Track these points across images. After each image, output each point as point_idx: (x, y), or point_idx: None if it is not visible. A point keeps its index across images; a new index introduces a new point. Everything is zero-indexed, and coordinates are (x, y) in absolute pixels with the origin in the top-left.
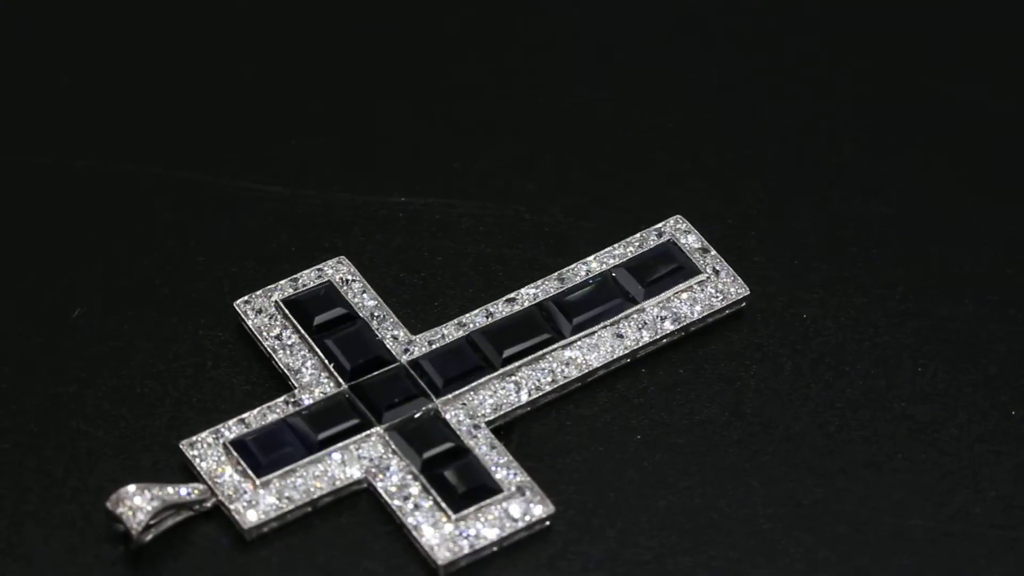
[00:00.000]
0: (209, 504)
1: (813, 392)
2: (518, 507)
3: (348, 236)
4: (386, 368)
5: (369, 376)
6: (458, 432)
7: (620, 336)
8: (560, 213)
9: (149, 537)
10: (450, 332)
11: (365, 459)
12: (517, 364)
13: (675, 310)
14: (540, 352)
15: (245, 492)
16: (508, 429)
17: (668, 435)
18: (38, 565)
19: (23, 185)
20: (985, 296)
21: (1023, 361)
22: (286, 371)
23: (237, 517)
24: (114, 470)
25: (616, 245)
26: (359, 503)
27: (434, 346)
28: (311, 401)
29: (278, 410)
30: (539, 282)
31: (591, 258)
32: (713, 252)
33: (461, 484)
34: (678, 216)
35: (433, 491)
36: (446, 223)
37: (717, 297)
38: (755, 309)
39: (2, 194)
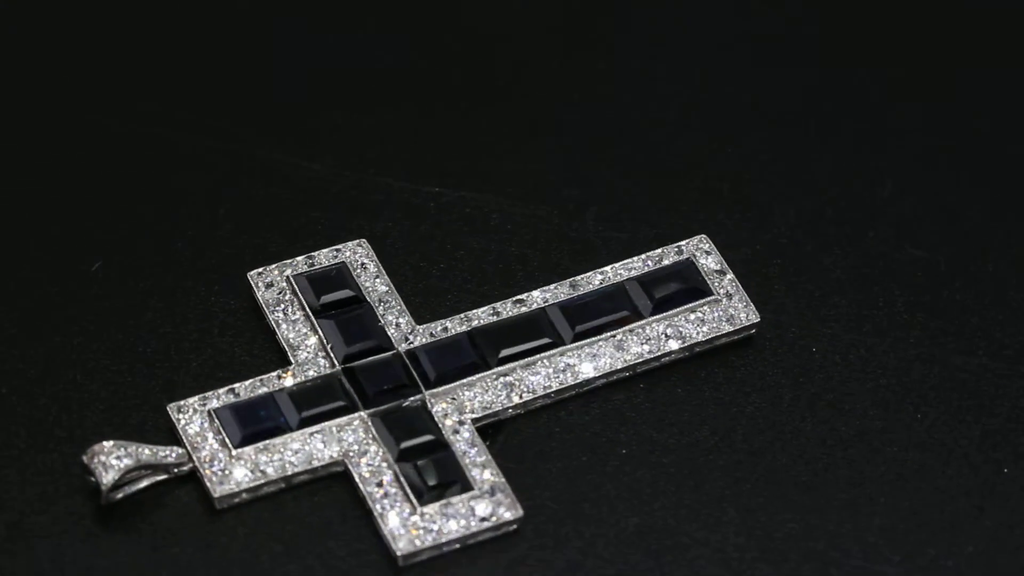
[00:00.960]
0: (186, 469)
1: (807, 427)
2: (486, 507)
3: (377, 220)
4: (382, 355)
5: (363, 361)
6: (441, 426)
7: (621, 349)
8: (591, 221)
9: (121, 495)
10: (453, 326)
11: (345, 442)
12: (512, 365)
13: (681, 329)
14: (537, 356)
15: (220, 461)
16: (496, 429)
17: (654, 453)
18: (8, 509)
19: (64, 140)
20: (1000, 351)
21: None
22: (286, 346)
23: (209, 485)
24: (101, 425)
25: (635, 258)
26: (335, 485)
27: (434, 338)
28: (303, 379)
29: (269, 384)
30: (551, 286)
31: (607, 268)
32: (730, 275)
33: (433, 477)
34: (702, 236)
35: (404, 481)
36: (475, 218)
37: (726, 321)
38: (765, 337)
39: (41, 147)
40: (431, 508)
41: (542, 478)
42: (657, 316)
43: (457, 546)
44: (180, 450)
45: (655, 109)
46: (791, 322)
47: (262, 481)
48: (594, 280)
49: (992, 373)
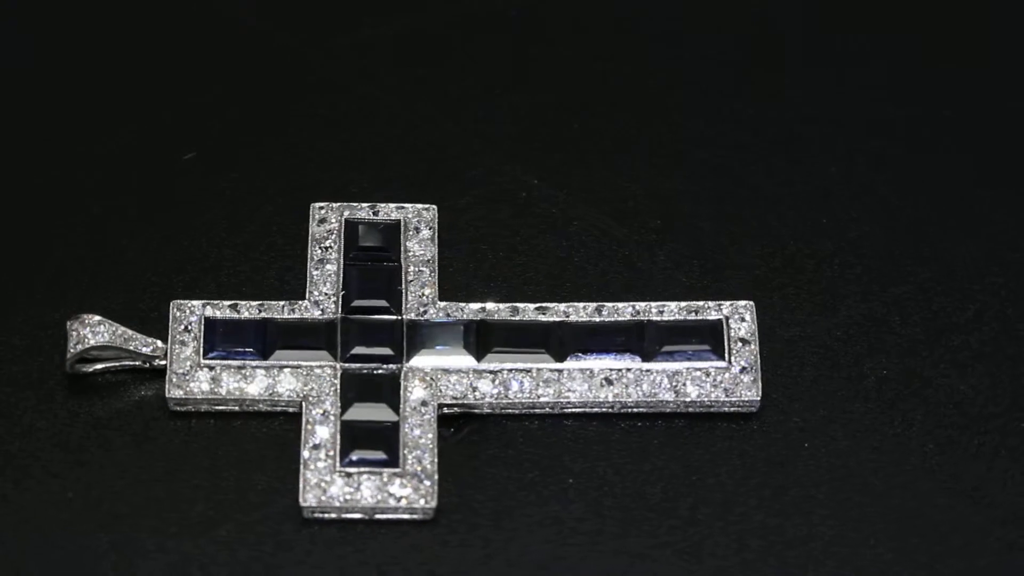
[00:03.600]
0: (160, 364)
1: (757, 516)
2: (402, 489)
3: (466, 192)
4: (384, 316)
5: (362, 317)
6: (403, 401)
7: (611, 384)
8: (663, 256)
9: (92, 369)
10: (468, 312)
11: (309, 386)
12: (499, 365)
13: (678, 384)
14: (525, 364)
15: (187, 366)
16: (464, 422)
17: (598, 493)
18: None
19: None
20: (975, 493)
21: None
22: (308, 281)
23: (167, 385)
24: (112, 298)
25: (674, 303)
26: (291, 424)
27: (440, 317)
28: (302, 316)
29: (272, 311)
30: (580, 304)
31: (643, 304)
32: (754, 348)
33: (367, 445)
34: (749, 303)
35: (339, 439)
36: (556, 220)
37: (724, 391)
38: (767, 418)
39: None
40: (352, 472)
41: (482, 480)
42: (659, 364)
43: (363, 516)
44: (160, 345)
45: (780, 177)
46: (800, 413)
47: (218, 397)
48: (624, 311)
49: (959, 512)
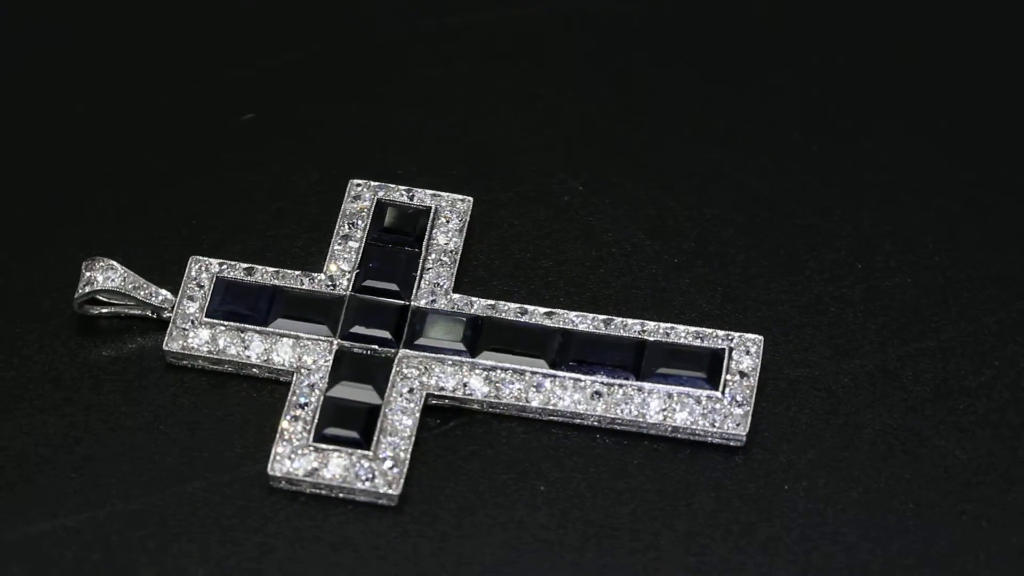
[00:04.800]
0: (166, 316)
1: (720, 550)
2: (368, 472)
3: (511, 190)
4: (392, 300)
5: (370, 297)
6: (391, 385)
7: (599, 398)
8: (688, 279)
9: (99, 311)
10: (477, 307)
11: (304, 358)
12: (493, 364)
13: (666, 407)
14: (517, 366)
15: (189, 321)
16: (452, 415)
17: (567, 505)
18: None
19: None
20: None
21: None
22: (329, 255)
23: (167, 337)
24: (134, 250)
25: (683, 327)
26: (285, 393)
27: (448, 309)
28: (312, 288)
29: (286, 280)
30: (589, 315)
31: (652, 323)
32: (751, 382)
33: (343, 423)
34: (759, 338)
35: (318, 413)
36: (593, 228)
37: (710, 422)
38: (748, 454)
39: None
40: (323, 448)
41: (455, 475)
42: (653, 385)
43: (326, 492)
44: (169, 297)
45: (826, 217)
46: (788, 454)
47: (213, 356)
48: (632, 328)
49: None
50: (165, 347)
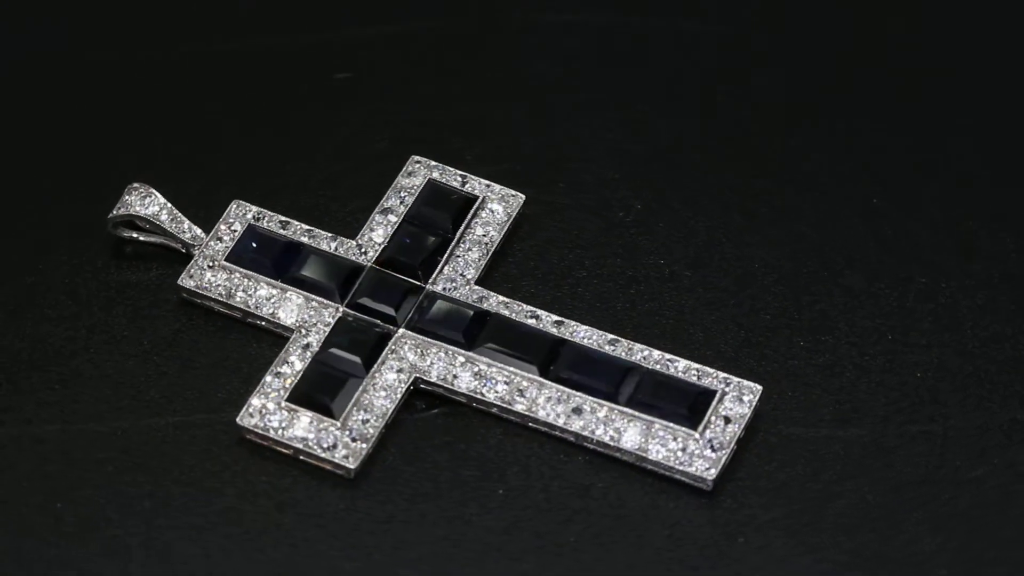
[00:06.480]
0: (194, 252)
1: None
2: (331, 440)
3: (570, 195)
4: (408, 280)
5: (388, 272)
6: (380, 362)
7: (579, 414)
8: (714, 317)
9: (131, 235)
10: (489, 301)
11: (307, 318)
12: (486, 360)
13: (643, 436)
14: (508, 367)
15: (208, 261)
16: (439, 403)
17: (521, 513)
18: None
19: None
20: None
21: None
22: (367, 224)
23: (184, 273)
24: (189, 186)
25: (684, 361)
26: (283, 346)
27: (460, 299)
28: (336, 252)
29: (317, 240)
30: (598, 331)
31: (657, 352)
32: (733, 429)
33: (321, 389)
34: (758, 388)
35: (301, 376)
36: (638, 250)
37: (678, 460)
38: (715, 499)
39: None
40: (294, 408)
41: (420, 462)
42: (634, 411)
43: (290, 453)
44: (199, 234)
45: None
46: (754, 507)
47: (222, 300)
48: (635, 352)
49: None
50: (180, 282)
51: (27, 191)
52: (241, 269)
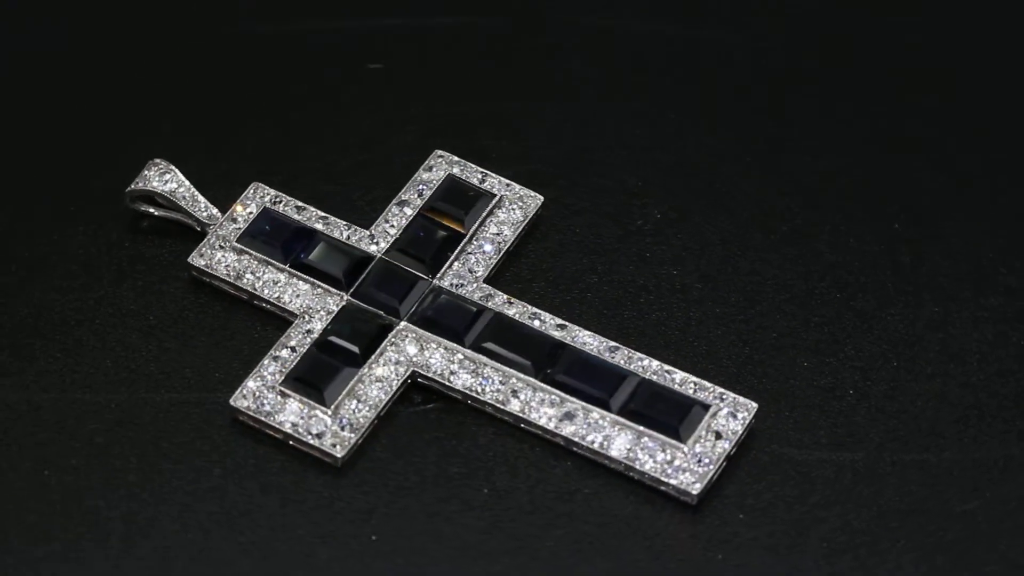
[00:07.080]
0: (208, 231)
1: None
2: (320, 428)
3: (591, 199)
4: (415, 273)
5: (397, 264)
6: (381, 352)
7: (570, 419)
8: (720, 332)
9: (148, 210)
10: (496, 300)
11: (311, 304)
12: (483, 358)
13: (631, 446)
14: (503, 367)
15: (220, 241)
16: (435, 398)
17: (502, 514)
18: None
19: None
20: None
21: None
22: (382, 215)
23: (195, 251)
24: (212, 167)
25: (682, 373)
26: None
27: (464, 296)
28: (348, 242)
29: (332, 228)
30: (599, 338)
31: (656, 363)
32: (723, 445)
33: (315, 375)
34: (753, 405)
35: (298, 361)
36: (654, 258)
37: (663, 473)
38: (700, 514)
39: None
40: (286, 392)
41: (409, 455)
42: (625, 421)
43: (280, 437)
44: (215, 214)
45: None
46: (737, 525)
47: (230, 281)
48: (634, 361)
49: None
50: (190, 260)
51: (53, 160)
52: (251, 251)
